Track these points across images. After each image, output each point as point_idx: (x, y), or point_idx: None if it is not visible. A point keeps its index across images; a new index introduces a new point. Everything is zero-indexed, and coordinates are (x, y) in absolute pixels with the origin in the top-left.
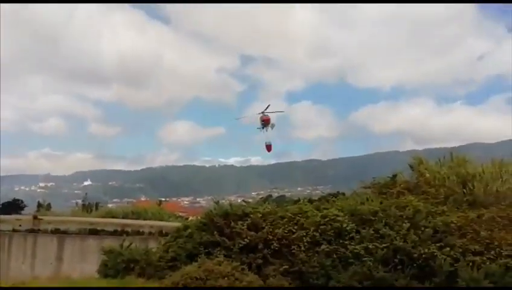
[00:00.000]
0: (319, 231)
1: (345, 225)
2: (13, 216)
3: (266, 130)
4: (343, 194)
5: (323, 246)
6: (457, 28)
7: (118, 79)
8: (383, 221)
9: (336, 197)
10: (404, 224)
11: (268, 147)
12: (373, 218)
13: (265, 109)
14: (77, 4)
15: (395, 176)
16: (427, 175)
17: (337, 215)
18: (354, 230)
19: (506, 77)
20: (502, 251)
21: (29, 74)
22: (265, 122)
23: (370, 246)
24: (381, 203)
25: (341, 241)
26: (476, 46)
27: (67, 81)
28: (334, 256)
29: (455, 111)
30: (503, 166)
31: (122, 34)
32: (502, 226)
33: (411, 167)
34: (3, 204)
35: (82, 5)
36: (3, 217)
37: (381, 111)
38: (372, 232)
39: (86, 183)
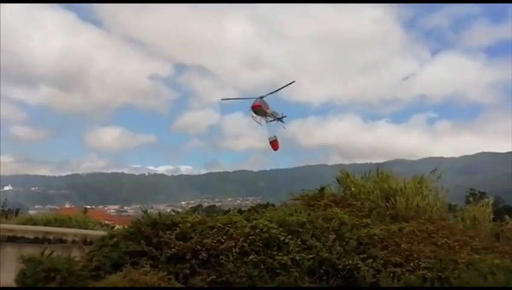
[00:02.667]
0: (248, 241)
1: (274, 236)
2: None
3: (265, 122)
4: (273, 205)
5: (251, 257)
6: (385, 49)
7: (45, 81)
8: (310, 232)
9: (265, 208)
10: (330, 236)
11: (274, 144)
12: (301, 229)
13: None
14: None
15: (323, 188)
16: (353, 189)
17: (270, 227)
18: (282, 241)
19: (428, 97)
20: (420, 263)
21: None
22: (256, 109)
23: (297, 257)
24: (309, 214)
25: (269, 251)
26: (402, 67)
27: None
28: (262, 266)
29: (380, 128)
30: (423, 182)
31: (52, 35)
32: (421, 239)
33: (338, 180)
34: None
35: (11, 4)
36: None
37: (310, 125)
38: (300, 243)
39: (6, 188)
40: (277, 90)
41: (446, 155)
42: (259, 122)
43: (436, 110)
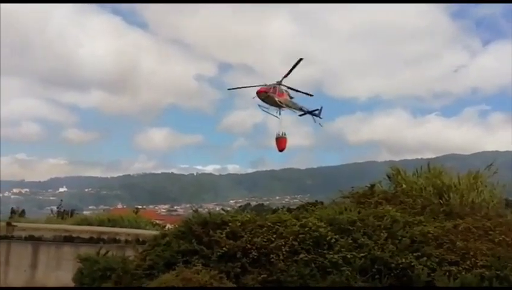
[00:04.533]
0: (298, 240)
1: (325, 235)
2: None
3: (276, 112)
4: (322, 203)
5: (301, 255)
6: (434, 41)
7: (95, 84)
8: (361, 231)
9: (314, 206)
10: (382, 234)
11: (280, 142)
12: (351, 227)
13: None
14: (54, 7)
15: (373, 186)
16: (405, 186)
17: (319, 226)
18: (333, 239)
19: (480, 89)
20: (477, 261)
21: (3, 77)
22: (261, 96)
23: (348, 256)
24: (359, 212)
25: (320, 250)
26: (451, 59)
27: (43, 86)
28: (313, 265)
29: (430, 123)
30: (478, 177)
31: (99, 39)
32: (477, 237)
33: (389, 177)
34: None
35: (59, 8)
36: None
37: (357, 121)
38: (351, 241)
39: (61, 189)
40: (289, 72)
41: (501, 149)
42: (269, 112)
43: (489, 103)
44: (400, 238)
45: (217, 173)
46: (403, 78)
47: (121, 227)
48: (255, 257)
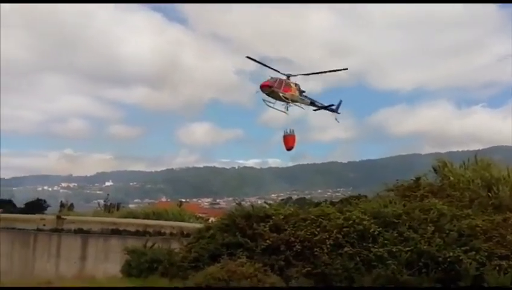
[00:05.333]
0: (342, 233)
1: (369, 228)
2: (37, 216)
3: (286, 106)
4: (365, 196)
5: (346, 249)
6: (478, 30)
7: (138, 81)
8: (407, 224)
9: (358, 200)
10: (428, 227)
11: (288, 140)
12: (396, 221)
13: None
14: (97, 6)
15: (418, 178)
16: (451, 178)
17: (362, 219)
18: (378, 233)
19: None
20: None
21: (51, 75)
22: (264, 90)
23: (394, 249)
24: (404, 206)
25: (364, 244)
26: (498, 47)
27: (88, 83)
28: (357, 259)
29: (476, 114)
30: None
31: (142, 36)
32: None
33: (435, 169)
34: (27, 204)
35: (102, 6)
36: (27, 216)
37: (399, 113)
38: (396, 235)
39: (107, 183)
40: (323, 72)
41: None
42: (275, 108)
43: None
44: (447, 231)
45: (258, 167)
46: (447, 69)
47: (165, 220)
48: (299, 250)
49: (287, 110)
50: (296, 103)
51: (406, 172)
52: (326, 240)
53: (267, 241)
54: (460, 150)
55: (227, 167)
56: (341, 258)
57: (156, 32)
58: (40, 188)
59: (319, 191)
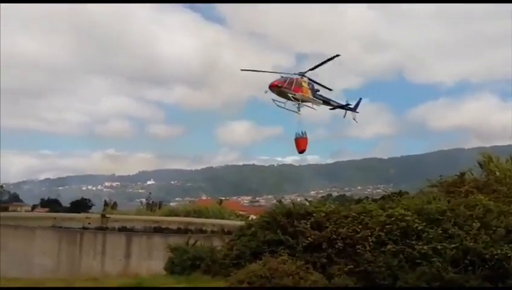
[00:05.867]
0: (385, 230)
1: (412, 225)
2: (82, 214)
3: (296, 107)
4: (407, 193)
5: (389, 246)
6: None
7: (177, 81)
8: (452, 221)
9: (400, 196)
10: (474, 224)
11: (300, 143)
12: (441, 217)
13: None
14: (135, 7)
15: (463, 174)
16: (497, 173)
17: (404, 215)
18: (421, 230)
19: None
20: None
21: (93, 78)
22: (273, 90)
23: (438, 247)
24: (449, 202)
25: (408, 241)
26: None
27: (129, 84)
28: (401, 256)
29: None
30: None
31: (180, 36)
32: None
33: (480, 164)
34: (72, 203)
35: (140, 8)
36: (73, 215)
37: (441, 107)
38: (441, 232)
39: (149, 182)
40: (318, 66)
41: None
42: (286, 108)
43: None
44: (494, 228)
45: (297, 164)
46: (491, 60)
47: (206, 218)
48: (341, 248)
49: (299, 110)
50: (307, 104)
51: (449, 167)
52: (369, 238)
53: (309, 238)
54: (505, 144)
55: (266, 165)
56: (384, 255)
57: (195, 32)
58: (84, 188)
59: (359, 187)
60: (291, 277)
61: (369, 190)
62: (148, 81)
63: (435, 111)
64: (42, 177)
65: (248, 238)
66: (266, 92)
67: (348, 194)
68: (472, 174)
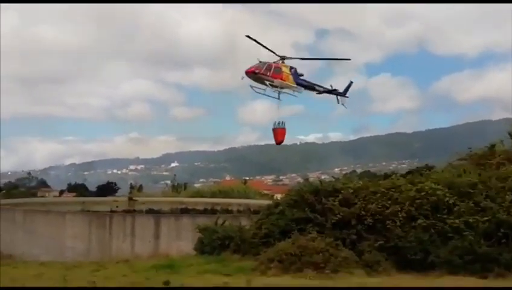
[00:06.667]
0: (415, 205)
1: (443, 199)
2: (110, 198)
3: (275, 93)
4: (433, 167)
5: (419, 221)
6: None
7: (197, 62)
8: (483, 193)
9: (429, 170)
10: (506, 196)
11: (277, 134)
12: (472, 191)
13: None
14: None
15: (493, 146)
16: None
17: (435, 189)
18: (453, 204)
19: None
20: None
21: (112, 61)
22: (250, 76)
23: (470, 220)
24: (479, 175)
25: (438, 215)
26: None
27: (149, 67)
28: (432, 231)
29: None
30: None
31: (198, 17)
32: None
33: (510, 135)
34: (98, 187)
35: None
36: (100, 199)
37: (465, 79)
38: (472, 205)
39: (173, 164)
40: (312, 59)
41: None
42: (266, 94)
43: None
44: None
45: (319, 142)
46: None
47: (231, 198)
48: (370, 224)
49: (279, 97)
50: (287, 90)
51: (476, 140)
52: (399, 213)
53: (337, 215)
54: None
55: (289, 143)
56: (415, 230)
57: (214, 12)
58: (109, 172)
59: (384, 163)
60: (321, 254)
61: (393, 165)
62: (168, 64)
63: (459, 83)
64: (68, 162)
65: (276, 217)
66: (243, 78)
67: (372, 170)
68: (503, 146)
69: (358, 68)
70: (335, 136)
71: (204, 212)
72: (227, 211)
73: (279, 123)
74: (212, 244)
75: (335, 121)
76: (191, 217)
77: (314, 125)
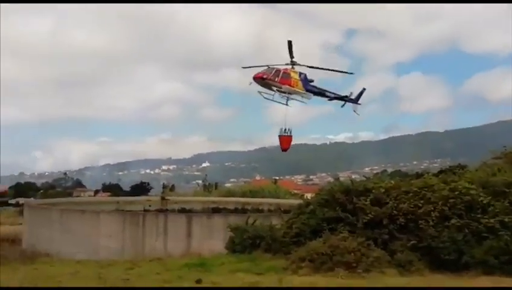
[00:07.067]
0: (448, 204)
1: (477, 198)
2: (143, 197)
3: (284, 99)
4: (466, 166)
5: (453, 221)
6: None
7: (227, 63)
8: None
9: (462, 169)
10: None
11: (283, 141)
12: (507, 190)
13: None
14: None
15: None
16: None
17: (468, 188)
18: (487, 203)
19: None
20: None
21: (144, 64)
22: (258, 82)
23: (506, 220)
24: None
25: (473, 215)
26: None
27: (180, 69)
28: (466, 231)
29: None
30: None
31: (228, 19)
32: None
33: None
34: (132, 187)
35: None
36: (134, 198)
37: (498, 77)
38: (507, 204)
39: (204, 164)
40: (321, 69)
41: None
42: (275, 100)
43: None
44: None
45: (349, 141)
46: None
47: (262, 197)
48: (402, 223)
49: (287, 103)
50: (295, 96)
51: (510, 138)
52: (432, 212)
53: (369, 215)
54: None
55: (319, 143)
56: (448, 230)
57: (243, 13)
58: (142, 172)
59: (415, 162)
60: (352, 254)
61: (425, 165)
62: (198, 65)
63: (491, 81)
64: (102, 163)
65: (307, 216)
66: (250, 83)
67: (403, 169)
68: None
69: (388, 67)
70: (365, 135)
71: (235, 211)
72: (258, 211)
73: (285, 130)
74: (243, 244)
75: (365, 121)
76: (222, 216)
77: (344, 125)
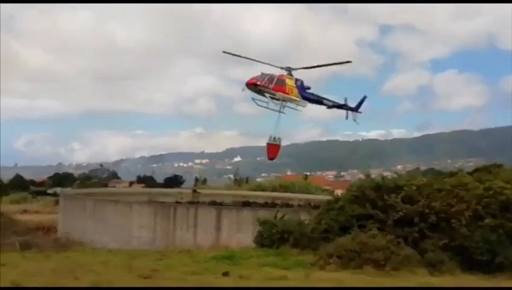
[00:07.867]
0: (482, 204)
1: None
2: (175, 190)
3: (279, 106)
4: (501, 165)
5: (487, 220)
6: None
7: (261, 59)
8: None
9: (498, 168)
10: None
11: (270, 150)
12: None
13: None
14: None
15: None
16: None
17: (504, 188)
18: None
19: None
20: None
21: (180, 59)
22: (250, 88)
23: None
24: None
25: (507, 215)
26: None
27: (215, 63)
28: (500, 231)
29: None
30: None
31: (262, 14)
32: None
33: None
34: (165, 179)
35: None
36: (166, 190)
37: None
38: None
39: (236, 159)
40: (319, 66)
41: None
42: (269, 107)
43: None
44: None
45: (382, 139)
46: None
47: (292, 192)
48: (434, 222)
49: (282, 110)
50: (289, 104)
51: None
52: (465, 212)
53: (400, 212)
54: None
55: (350, 140)
56: (481, 230)
57: (277, 9)
58: (176, 165)
59: (449, 161)
60: (381, 251)
61: (459, 164)
62: (233, 61)
63: None
64: (137, 155)
65: (336, 213)
66: (243, 90)
67: (436, 168)
68: None
69: (423, 64)
70: (398, 132)
71: (265, 206)
72: (287, 205)
73: (274, 139)
74: (272, 238)
75: (399, 118)
76: (251, 210)
77: (377, 122)
